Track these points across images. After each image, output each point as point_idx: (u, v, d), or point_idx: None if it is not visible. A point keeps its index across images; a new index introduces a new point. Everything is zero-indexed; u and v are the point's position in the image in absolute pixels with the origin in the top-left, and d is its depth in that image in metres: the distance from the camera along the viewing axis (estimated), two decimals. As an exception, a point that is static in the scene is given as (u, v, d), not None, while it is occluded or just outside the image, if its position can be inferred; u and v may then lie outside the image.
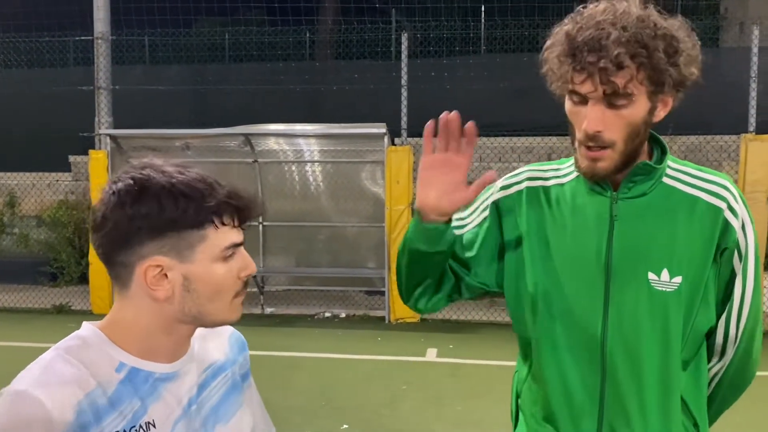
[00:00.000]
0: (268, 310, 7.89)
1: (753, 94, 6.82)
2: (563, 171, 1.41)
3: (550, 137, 8.74)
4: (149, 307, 1.03)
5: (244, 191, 1.04)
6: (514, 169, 6.55)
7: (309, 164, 8.10)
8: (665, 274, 1.27)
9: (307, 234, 8.15)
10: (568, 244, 1.34)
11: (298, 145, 7.95)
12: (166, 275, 1.01)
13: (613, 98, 1.22)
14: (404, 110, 7.28)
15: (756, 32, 6.89)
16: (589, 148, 1.26)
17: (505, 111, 8.87)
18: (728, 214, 1.30)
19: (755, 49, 6.79)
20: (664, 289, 1.27)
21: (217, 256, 1.02)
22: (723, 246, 1.30)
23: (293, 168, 8.11)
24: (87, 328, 1.06)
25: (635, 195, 1.31)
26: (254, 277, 6.70)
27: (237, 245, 1.04)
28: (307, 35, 10.99)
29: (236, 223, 1.04)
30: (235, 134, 7.49)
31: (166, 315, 1.03)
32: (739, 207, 1.32)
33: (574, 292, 1.32)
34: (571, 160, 1.38)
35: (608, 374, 1.30)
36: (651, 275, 1.28)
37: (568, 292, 1.32)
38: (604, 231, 1.32)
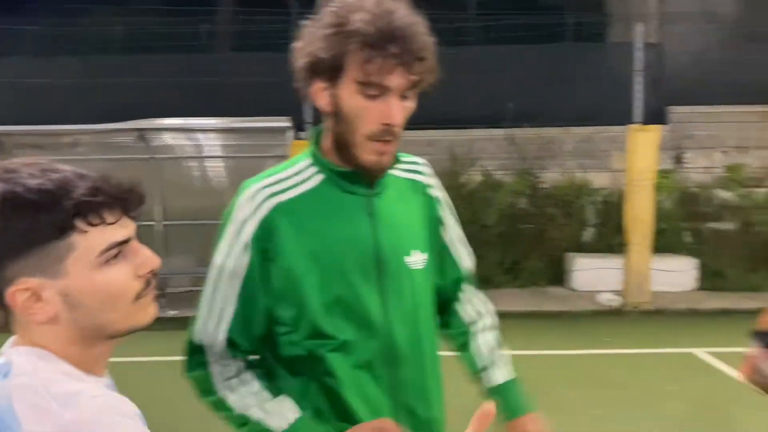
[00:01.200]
0: (171, 313, 7.59)
1: (638, 87, 7.24)
2: (303, 176, 1.33)
3: (452, 130, 8.91)
4: (44, 330, 0.90)
5: (114, 179, 0.90)
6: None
7: (210, 160, 7.86)
8: (416, 255, 1.37)
9: (210, 232, 7.85)
10: (335, 253, 1.30)
11: (197, 140, 7.68)
12: (39, 297, 0.88)
13: (409, 90, 1.25)
14: (308, 103, 7.20)
15: (640, 28, 7.31)
16: (384, 142, 1.25)
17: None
18: (432, 190, 1.46)
19: (639, 45, 7.20)
20: (419, 268, 1.37)
21: (95, 263, 0.89)
22: (433, 216, 1.45)
23: (193, 164, 7.84)
24: (25, 350, 0.91)
25: (382, 189, 1.35)
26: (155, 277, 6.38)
27: (122, 243, 0.91)
28: (205, 26, 10.62)
29: (114, 218, 0.90)
30: (127, 129, 7.15)
31: (65, 334, 0.91)
32: (435, 182, 1.48)
33: (358, 299, 1.31)
34: (305, 162, 1.34)
35: (400, 362, 1.33)
36: (407, 259, 1.35)
37: (352, 299, 1.31)
38: (367, 230, 1.32)
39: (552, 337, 6.56)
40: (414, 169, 1.45)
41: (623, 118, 7.75)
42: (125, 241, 0.92)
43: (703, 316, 7.03)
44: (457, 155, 8.78)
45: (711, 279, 7.94)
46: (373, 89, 1.21)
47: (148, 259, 0.94)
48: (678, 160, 8.85)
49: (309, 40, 1.24)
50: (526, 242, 8.66)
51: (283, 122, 6.83)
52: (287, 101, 7.56)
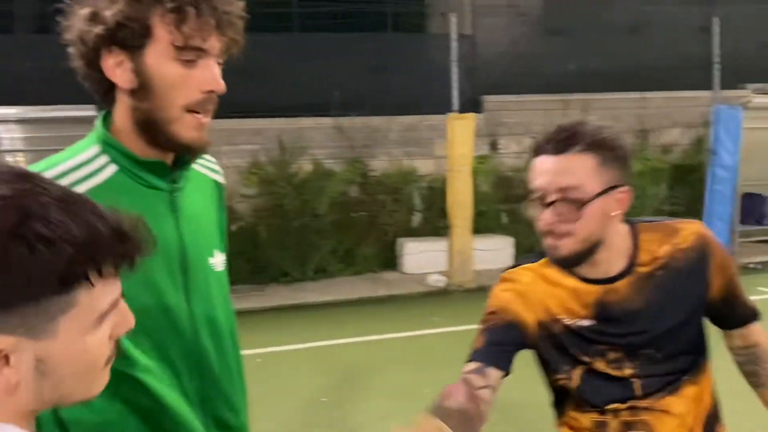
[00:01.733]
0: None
1: (455, 77, 7.59)
2: (93, 166, 1.13)
3: (281, 119, 8.77)
4: None
5: (126, 217, 0.72)
6: (246, 153, 6.32)
7: (7, 155, 7.01)
8: (218, 256, 1.28)
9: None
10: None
11: (-9, 133, 6.82)
12: (7, 360, 0.67)
13: (222, 55, 1.15)
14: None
15: (454, 20, 7.66)
16: (206, 112, 1.14)
17: (229, 91, 8.63)
18: (224, 193, 1.37)
19: (454, 35, 7.55)
20: (221, 270, 1.28)
21: (90, 325, 0.71)
22: (222, 218, 1.35)
23: (-12, 160, 6.94)
24: None
25: (184, 183, 1.22)
26: None
27: (117, 300, 0.73)
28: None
29: (117, 271, 0.72)
30: None
31: (14, 407, 0.69)
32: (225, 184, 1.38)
33: (166, 309, 1.17)
34: (92, 149, 1.15)
35: (209, 374, 1.24)
36: (211, 260, 1.25)
37: (159, 310, 1.16)
38: (172, 230, 1.18)
39: (385, 321, 6.73)
40: (210, 166, 1.34)
41: (444, 107, 8.11)
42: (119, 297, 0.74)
43: (520, 289, 7.59)
44: (285, 144, 8.66)
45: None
46: (191, 53, 1.09)
47: (128, 318, 0.77)
48: (493, 146, 9.45)
49: (90, 9, 1.08)
50: (359, 229, 8.79)
51: (88, 110, 6.23)
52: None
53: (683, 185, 9.68)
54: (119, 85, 1.10)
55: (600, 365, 1.42)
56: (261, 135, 8.73)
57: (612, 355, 1.42)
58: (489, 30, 9.88)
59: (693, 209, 9.48)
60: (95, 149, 1.14)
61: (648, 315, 1.40)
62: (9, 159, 7.11)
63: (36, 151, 7.05)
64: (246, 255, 8.36)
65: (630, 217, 1.47)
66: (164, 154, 1.17)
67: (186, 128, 1.12)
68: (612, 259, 1.41)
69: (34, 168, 1.07)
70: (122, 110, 1.13)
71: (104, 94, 1.14)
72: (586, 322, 1.42)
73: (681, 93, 9.87)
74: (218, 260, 1.27)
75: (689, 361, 1.44)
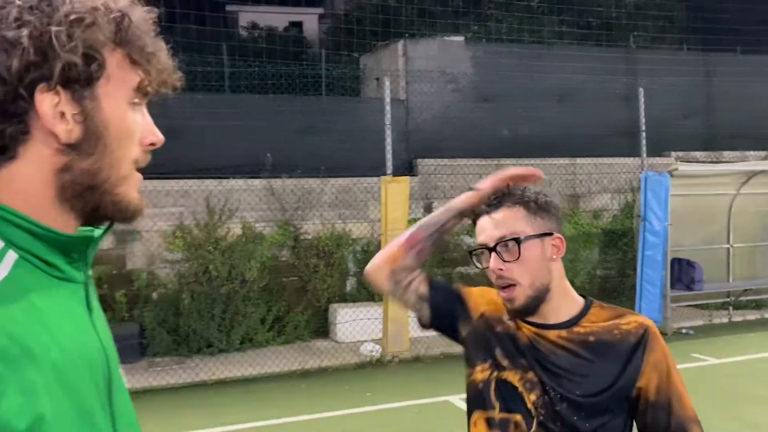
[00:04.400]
0: None
1: (389, 140, 7.48)
2: None
3: (209, 180, 8.42)
4: None
5: None
6: (171, 216, 5.89)
7: None
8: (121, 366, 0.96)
9: None
10: (71, 381, 0.80)
11: None
12: None
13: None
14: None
15: (387, 83, 7.61)
16: (140, 170, 0.91)
17: (154, 150, 8.27)
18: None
19: (388, 99, 7.48)
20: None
21: None
22: None
23: None
24: None
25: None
26: None
27: None
28: None
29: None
30: None
31: None
32: None
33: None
34: None
35: None
36: (121, 371, 0.94)
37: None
38: (94, 336, 0.87)
39: (315, 397, 6.30)
40: None
41: (377, 169, 7.97)
42: None
43: (457, 360, 7.35)
44: (213, 207, 8.27)
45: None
46: (139, 96, 0.86)
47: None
48: (428, 209, 9.35)
49: (22, 30, 0.76)
50: (289, 296, 8.40)
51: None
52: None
53: (614, 250, 9.80)
54: (59, 136, 0.80)
55: (514, 377, 1.53)
56: (188, 197, 8.33)
57: (530, 376, 1.52)
58: (422, 95, 9.94)
59: (624, 273, 9.58)
60: None
61: (567, 377, 1.50)
62: None
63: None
64: (167, 324, 7.82)
65: (592, 298, 1.62)
66: (74, 229, 0.86)
67: (133, 189, 0.88)
68: (557, 313, 1.54)
69: None
70: (32, 171, 0.80)
71: None
72: (524, 341, 1.55)
73: (609, 159, 10.12)
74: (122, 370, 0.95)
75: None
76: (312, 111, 9.47)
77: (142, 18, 0.86)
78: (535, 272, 1.51)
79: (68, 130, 0.80)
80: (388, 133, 7.49)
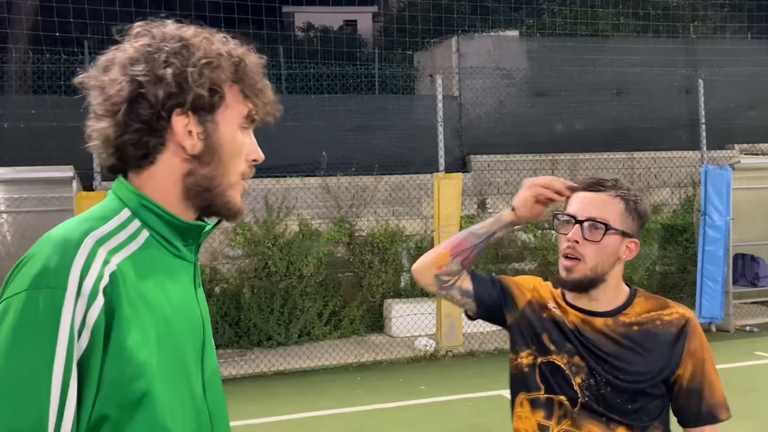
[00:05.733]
0: None
1: (441, 137, 7.55)
2: (129, 231, 1.05)
3: (268, 179, 8.69)
4: None
5: None
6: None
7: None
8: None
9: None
10: (176, 337, 1.06)
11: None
12: None
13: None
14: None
15: (439, 80, 7.67)
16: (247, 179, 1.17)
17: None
18: None
19: (440, 96, 7.55)
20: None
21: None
22: None
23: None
24: None
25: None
26: None
27: None
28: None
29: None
30: None
31: None
32: None
33: (193, 394, 1.09)
34: (123, 213, 1.06)
35: None
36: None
37: (188, 395, 1.08)
38: (197, 306, 1.14)
39: (370, 390, 6.45)
40: None
41: (431, 166, 8.05)
42: None
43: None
44: (272, 204, 8.55)
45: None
46: (250, 124, 1.13)
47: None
48: (482, 205, 9.37)
49: (152, 72, 1.04)
50: (345, 291, 8.59)
51: (67, 171, 6.11)
52: (66, 148, 6.84)
53: (675, 245, 9.58)
54: (186, 148, 1.07)
55: (560, 360, 1.63)
56: (248, 195, 8.63)
57: (576, 360, 1.62)
58: (476, 91, 9.96)
59: (685, 270, 9.35)
60: (126, 213, 1.07)
61: (611, 361, 1.60)
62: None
63: (16, 213, 6.89)
64: (229, 318, 8.13)
65: (634, 285, 1.73)
66: (192, 220, 1.12)
67: (238, 194, 1.13)
68: (605, 301, 1.64)
69: (56, 234, 1.00)
70: (166, 173, 1.08)
71: (142, 156, 1.06)
72: (571, 327, 1.65)
73: (669, 153, 9.89)
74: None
75: (627, 418, 1.59)
76: (366, 109, 9.63)
77: (254, 62, 1.12)
78: (603, 260, 1.61)
79: (193, 144, 1.07)
80: (441, 129, 7.56)
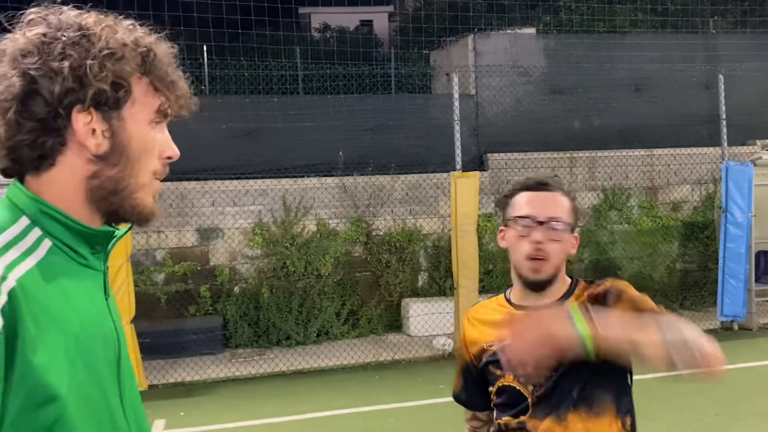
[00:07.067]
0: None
1: (457, 135, 7.54)
2: (28, 241, 0.95)
3: (285, 179, 8.74)
4: None
5: None
6: (251, 214, 6.23)
7: None
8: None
9: None
10: (90, 354, 0.96)
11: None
12: None
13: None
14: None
15: (455, 79, 7.66)
16: (161, 178, 1.07)
17: (231, 153, 8.67)
18: None
19: (456, 94, 7.53)
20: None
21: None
22: None
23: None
24: None
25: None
26: None
27: None
28: None
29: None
30: None
31: None
32: None
33: (112, 415, 1.01)
34: (20, 221, 0.96)
35: None
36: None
37: (107, 417, 1.00)
38: (110, 319, 1.03)
39: (388, 389, 6.46)
40: None
41: (447, 165, 8.04)
42: None
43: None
44: (289, 205, 8.59)
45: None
46: (159, 116, 1.02)
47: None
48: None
49: (47, 64, 0.93)
50: (363, 290, 8.62)
51: None
52: None
53: (695, 243, 9.47)
54: (90, 148, 0.97)
55: (509, 379, 1.67)
56: (265, 195, 8.69)
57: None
58: (492, 89, 9.92)
59: (706, 267, 9.24)
60: (24, 221, 0.95)
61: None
62: None
63: None
64: (248, 317, 8.19)
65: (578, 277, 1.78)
66: (99, 226, 1.02)
67: (149, 195, 1.03)
68: (553, 296, 1.70)
69: None
70: (67, 176, 0.98)
71: (38, 157, 0.96)
72: (507, 342, 1.61)
73: (689, 149, 9.78)
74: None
75: (583, 397, 1.61)
76: (382, 109, 9.63)
77: (165, 52, 1.02)
78: (561, 256, 1.69)
79: (98, 144, 0.97)
80: (457, 128, 7.54)
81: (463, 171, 7.50)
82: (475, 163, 9.32)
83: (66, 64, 0.93)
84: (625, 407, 1.66)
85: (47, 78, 0.93)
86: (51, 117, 0.94)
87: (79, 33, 0.95)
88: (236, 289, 8.36)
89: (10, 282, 0.88)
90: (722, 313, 7.93)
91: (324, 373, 7.14)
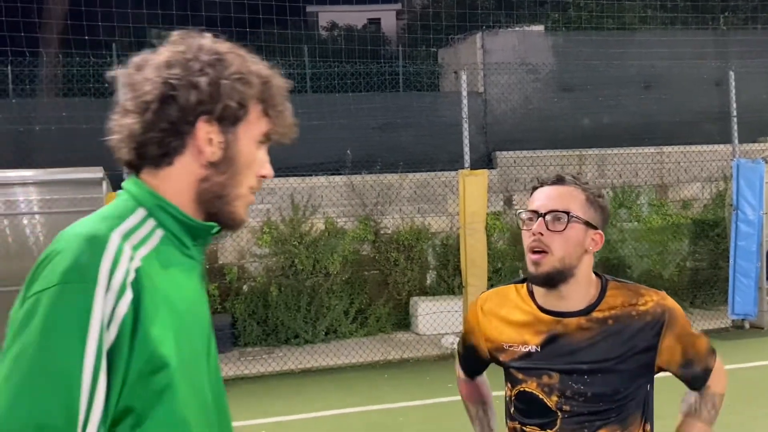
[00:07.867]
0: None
1: (466, 133, 7.51)
2: (145, 230, 1.09)
3: (294, 178, 8.74)
4: None
5: None
6: (259, 212, 6.32)
7: (20, 217, 6.98)
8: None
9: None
10: (192, 333, 1.11)
11: (7, 195, 6.82)
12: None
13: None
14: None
15: (464, 77, 7.63)
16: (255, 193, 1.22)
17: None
18: None
19: (464, 92, 7.50)
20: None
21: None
22: None
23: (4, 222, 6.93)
24: None
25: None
26: None
27: None
28: (9, 68, 9.61)
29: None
30: None
31: None
32: None
33: (201, 392, 1.14)
34: (139, 212, 1.09)
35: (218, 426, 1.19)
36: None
37: (201, 393, 1.13)
38: (205, 304, 1.20)
39: (397, 388, 6.46)
40: None
41: (456, 163, 8.01)
42: None
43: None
44: (298, 203, 8.60)
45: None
46: (265, 140, 1.17)
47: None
48: (508, 202, 9.31)
49: (187, 77, 1.08)
50: (371, 288, 8.61)
51: (97, 173, 6.23)
52: (95, 149, 6.91)
53: (706, 241, 9.40)
54: (206, 155, 1.11)
55: (532, 386, 1.64)
56: (274, 194, 8.70)
57: (545, 379, 1.63)
58: (501, 87, 9.88)
59: (717, 266, 9.18)
60: (142, 212, 1.10)
61: (587, 352, 1.59)
62: (26, 221, 7.08)
63: (48, 214, 7.02)
64: (257, 316, 8.20)
65: (606, 275, 1.71)
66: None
67: (244, 206, 1.17)
68: (576, 298, 1.62)
69: (81, 231, 1.02)
70: (182, 176, 1.12)
71: (161, 155, 1.10)
72: (532, 348, 1.65)
73: (699, 147, 9.71)
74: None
75: (613, 410, 1.59)
76: (390, 107, 9.62)
77: (280, 85, 1.17)
78: (570, 252, 1.59)
79: (213, 152, 1.11)
80: (465, 126, 7.51)
81: (471, 169, 7.48)
82: (484, 161, 9.29)
83: (204, 79, 1.08)
84: (647, 413, 1.67)
85: (186, 88, 1.08)
86: (181, 121, 1.09)
87: (215, 56, 1.11)
88: (245, 287, 8.37)
89: (137, 261, 1.02)
90: (733, 312, 7.87)
91: (332, 371, 7.14)
